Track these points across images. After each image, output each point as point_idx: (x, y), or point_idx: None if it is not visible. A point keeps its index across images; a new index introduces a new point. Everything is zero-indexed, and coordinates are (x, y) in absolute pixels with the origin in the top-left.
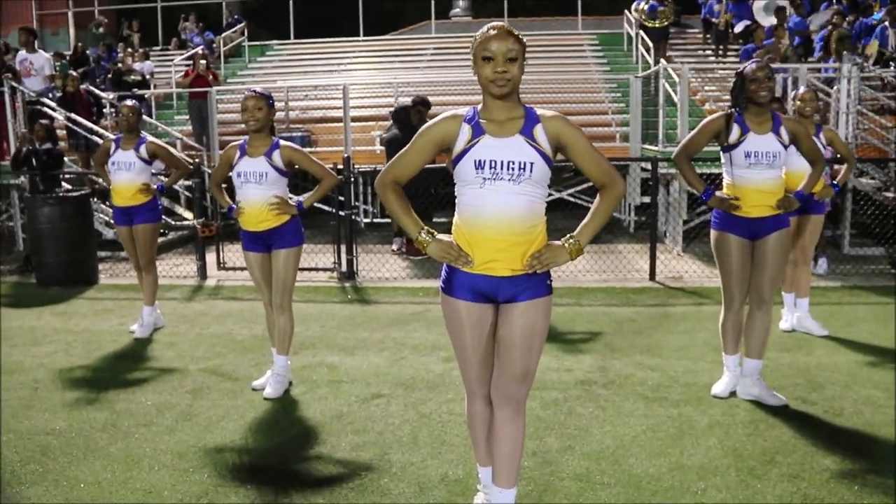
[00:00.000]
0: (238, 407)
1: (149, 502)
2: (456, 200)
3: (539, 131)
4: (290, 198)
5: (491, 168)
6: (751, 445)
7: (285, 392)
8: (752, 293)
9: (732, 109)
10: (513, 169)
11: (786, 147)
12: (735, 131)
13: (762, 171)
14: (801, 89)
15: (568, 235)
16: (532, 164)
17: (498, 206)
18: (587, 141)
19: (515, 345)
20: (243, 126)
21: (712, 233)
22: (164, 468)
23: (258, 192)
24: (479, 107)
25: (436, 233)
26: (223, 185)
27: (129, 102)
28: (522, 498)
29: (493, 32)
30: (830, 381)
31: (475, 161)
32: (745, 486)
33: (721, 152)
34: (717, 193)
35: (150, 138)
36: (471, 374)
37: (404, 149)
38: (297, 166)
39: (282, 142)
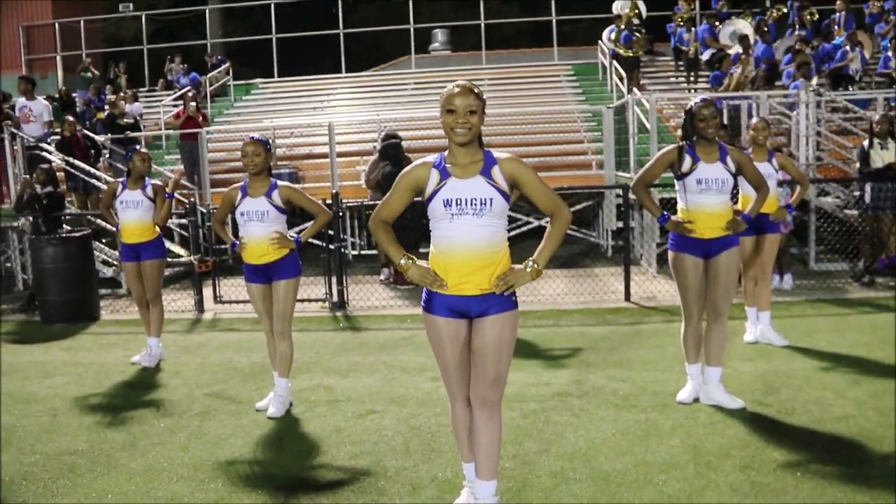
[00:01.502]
0: (244, 426)
1: None
2: (431, 234)
3: (496, 172)
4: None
5: (457, 205)
6: (709, 443)
7: (287, 411)
8: (709, 307)
9: (684, 142)
10: (475, 204)
11: (733, 174)
12: (687, 161)
13: (712, 196)
14: (754, 120)
15: (529, 259)
16: (491, 199)
17: (465, 237)
18: (537, 178)
19: (487, 353)
20: (233, 164)
21: (669, 253)
22: (181, 479)
23: (260, 229)
24: (446, 153)
25: (416, 259)
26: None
27: (142, 150)
28: (503, 493)
29: (457, 90)
30: (786, 385)
31: (443, 200)
32: (701, 476)
33: (675, 180)
34: (673, 217)
35: (153, 180)
36: (451, 381)
37: (388, 194)
38: (294, 204)
39: (279, 182)
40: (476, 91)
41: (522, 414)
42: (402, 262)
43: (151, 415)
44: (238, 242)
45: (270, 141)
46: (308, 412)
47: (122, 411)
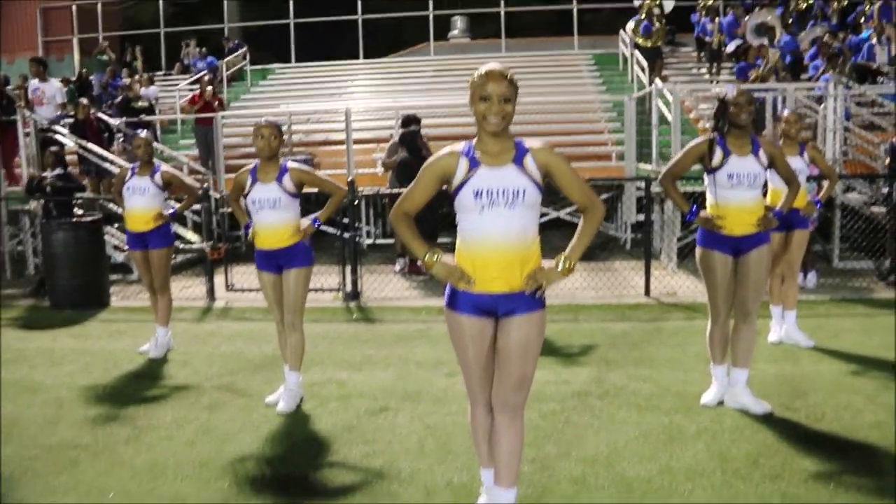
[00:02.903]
0: (253, 421)
1: None
2: (457, 227)
3: (529, 161)
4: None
5: (488, 196)
6: (736, 449)
7: (297, 407)
8: (737, 306)
9: (714, 133)
10: (507, 196)
11: (765, 168)
12: (718, 154)
13: (744, 191)
14: (786, 112)
15: (560, 256)
16: (524, 190)
17: (496, 230)
18: (571, 169)
19: (513, 354)
20: (247, 150)
21: (697, 249)
22: (186, 478)
23: (274, 216)
24: (475, 141)
25: (441, 254)
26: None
27: (142, 135)
28: (522, 500)
29: (490, 75)
30: (814, 389)
31: (474, 190)
32: (729, 486)
33: (705, 174)
34: (702, 213)
35: (165, 167)
36: (473, 383)
37: (411, 185)
38: (307, 185)
39: (289, 164)
40: (509, 76)
41: (541, 414)
42: (428, 257)
43: (158, 407)
44: (252, 223)
45: (288, 126)
46: (319, 408)
47: (129, 403)
